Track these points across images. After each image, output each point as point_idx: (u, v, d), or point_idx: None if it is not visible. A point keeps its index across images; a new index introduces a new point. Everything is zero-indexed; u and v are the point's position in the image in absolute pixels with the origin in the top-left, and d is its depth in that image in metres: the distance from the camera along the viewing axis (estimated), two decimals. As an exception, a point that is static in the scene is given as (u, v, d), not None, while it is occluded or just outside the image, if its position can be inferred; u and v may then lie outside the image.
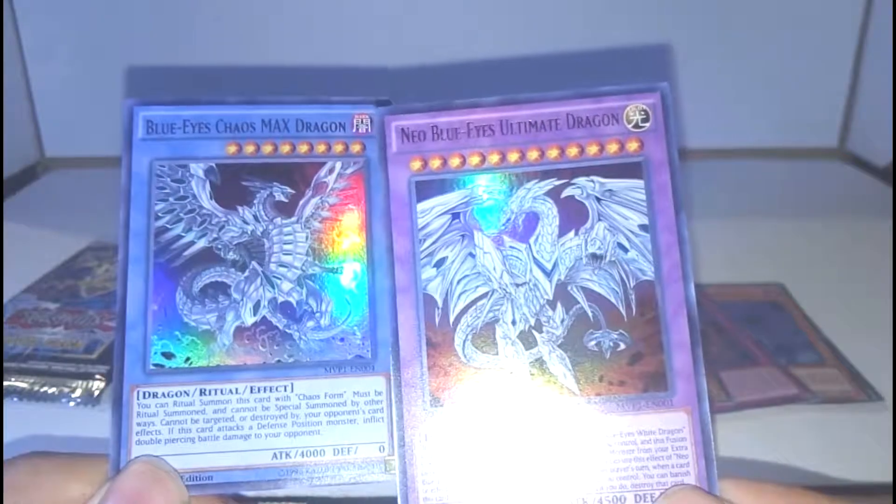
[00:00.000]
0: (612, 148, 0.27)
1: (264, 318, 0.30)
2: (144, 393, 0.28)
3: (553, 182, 0.28)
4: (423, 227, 0.28)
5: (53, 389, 0.44)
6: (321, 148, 0.31)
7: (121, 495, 0.27)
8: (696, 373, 0.26)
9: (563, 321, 0.27)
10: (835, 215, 0.74)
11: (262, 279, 0.30)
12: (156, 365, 0.29)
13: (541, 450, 0.26)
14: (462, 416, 0.26)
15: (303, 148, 0.31)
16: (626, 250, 0.27)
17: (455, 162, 0.28)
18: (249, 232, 0.30)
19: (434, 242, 0.28)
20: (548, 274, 0.27)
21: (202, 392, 0.29)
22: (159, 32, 0.82)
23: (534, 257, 0.27)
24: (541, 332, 0.27)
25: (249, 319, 0.30)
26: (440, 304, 0.27)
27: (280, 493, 0.41)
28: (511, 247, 0.28)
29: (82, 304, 0.53)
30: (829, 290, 0.59)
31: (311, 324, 0.30)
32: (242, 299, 0.30)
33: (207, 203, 0.30)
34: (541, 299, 0.27)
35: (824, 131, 0.89)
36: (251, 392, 0.29)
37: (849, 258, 0.66)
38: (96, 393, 0.44)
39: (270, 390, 0.29)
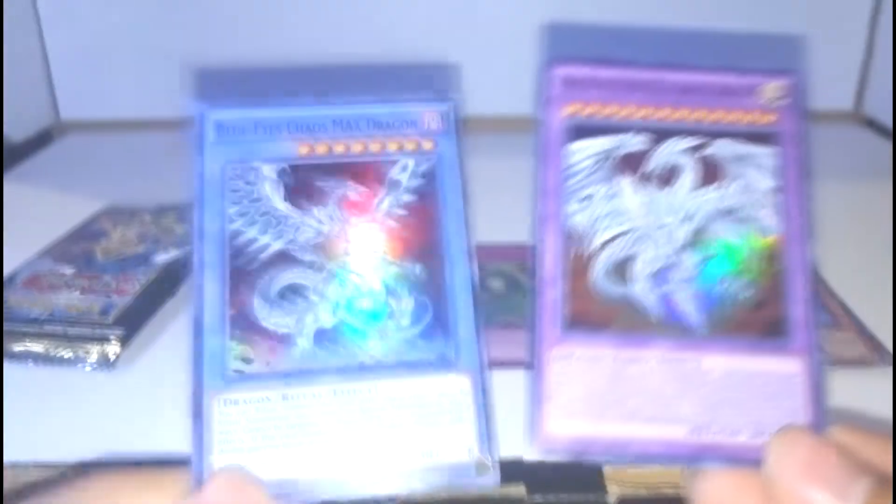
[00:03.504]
0: (750, 118, 0.30)
1: (343, 319, 0.29)
2: (225, 400, 0.27)
3: (695, 140, 0.30)
4: (573, 165, 0.30)
5: (69, 353, 0.44)
6: (393, 146, 0.31)
7: None
8: (811, 325, 0.28)
9: (694, 265, 0.29)
10: (850, 178, 0.74)
11: (339, 280, 0.29)
12: (235, 371, 0.28)
13: (666, 379, 0.28)
14: (594, 340, 0.28)
15: (375, 146, 0.31)
16: (756, 209, 0.30)
17: (608, 111, 0.30)
18: (325, 232, 0.30)
19: (581, 180, 0.30)
20: (684, 221, 0.30)
21: (284, 397, 0.28)
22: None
23: (672, 204, 0.30)
24: (673, 272, 0.29)
25: (329, 321, 0.29)
26: (582, 236, 0.29)
27: None
28: (652, 192, 0.30)
29: (98, 268, 0.52)
30: (844, 254, 0.58)
31: (390, 323, 0.29)
32: (321, 301, 0.29)
33: (281, 204, 0.30)
34: (676, 243, 0.29)
35: (840, 94, 0.89)
36: (334, 395, 0.28)
37: (864, 221, 0.65)
38: (112, 357, 0.43)
39: (353, 393, 0.28)
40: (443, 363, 0.28)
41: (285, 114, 0.31)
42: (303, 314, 0.29)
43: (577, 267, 0.29)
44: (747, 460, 0.27)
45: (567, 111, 0.30)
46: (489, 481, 0.28)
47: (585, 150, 0.30)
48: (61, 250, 0.54)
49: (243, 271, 0.29)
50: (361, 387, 0.28)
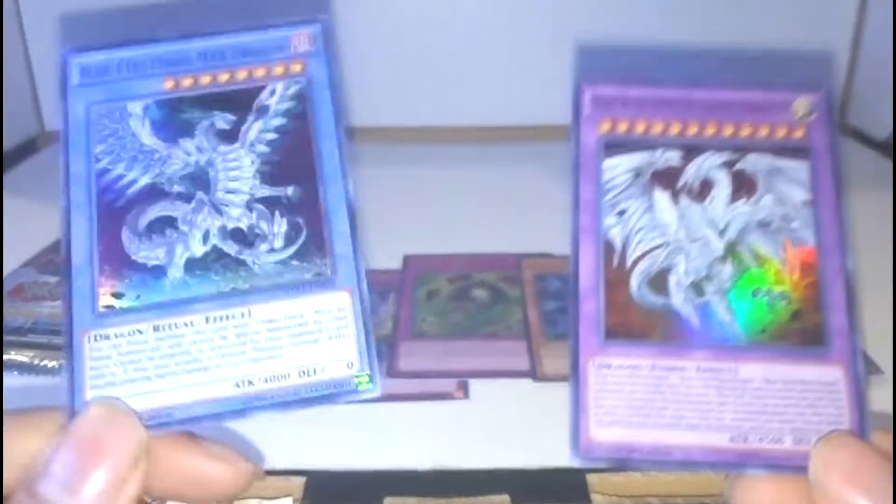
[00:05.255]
0: (781, 133, 0.31)
1: (215, 246, 0.28)
2: (96, 336, 0.27)
3: (727, 155, 0.31)
4: (609, 181, 0.30)
5: (53, 363, 0.43)
6: (260, 72, 0.30)
7: (77, 440, 0.25)
8: (851, 333, 0.28)
9: (731, 276, 0.29)
10: None
11: (210, 208, 0.29)
12: (105, 307, 0.27)
13: (705, 389, 0.28)
14: (633, 350, 0.28)
15: (241, 74, 0.30)
16: (790, 221, 0.30)
17: (640, 128, 0.31)
18: (193, 163, 0.29)
19: (617, 195, 0.30)
20: (719, 233, 0.30)
21: (156, 328, 0.27)
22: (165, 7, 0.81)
23: (707, 217, 0.30)
24: (710, 283, 0.29)
25: (199, 250, 0.28)
26: (619, 248, 0.29)
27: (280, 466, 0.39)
28: (687, 206, 0.30)
29: None
30: None
31: (264, 247, 0.28)
32: (191, 230, 0.28)
33: (148, 139, 0.29)
34: (712, 255, 0.30)
35: None
36: (207, 322, 0.27)
37: (852, 230, 0.63)
38: None
39: (227, 318, 0.27)
40: (319, 282, 0.28)
41: (150, 51, 0.30)
42: (173, 245, 0.28)
43: (615, 279, 0.29)
44: (790, 467, 0.27)
45: (600, 129, 0.31)
46: (370, 394, 0.27)
47: (619, 167, 0.30)
48: (45, 260, 0.54)
49: (112, 208, 0.28)
50: (235, 312, 0.27)
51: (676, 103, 0.31)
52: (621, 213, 0.30)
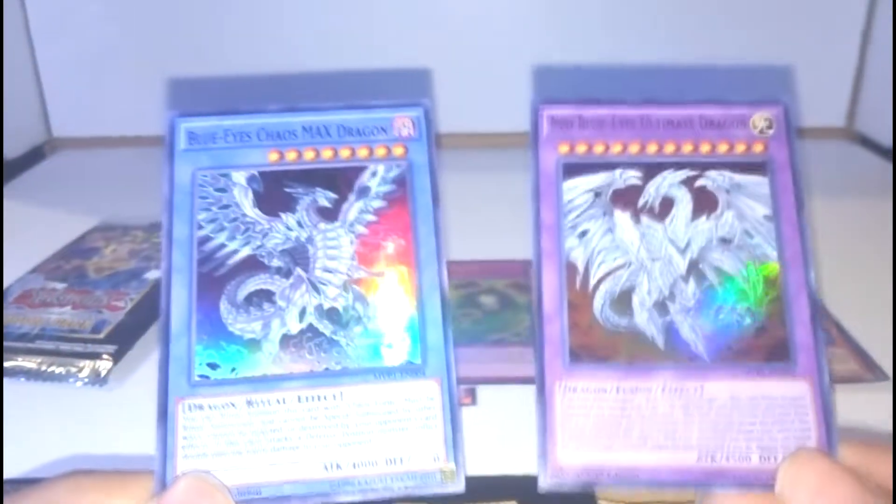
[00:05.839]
0: (740, 148, 0.31)
1: (311, 324, 0.29)
2: (190, 405, 0.27)
3: (687, 172, 0.31)
4: (568, 202, 0.30)
5: (61, 369, 0.44)
6: (363, 152, 0.31)
7: None
8: (816, 347, 0.28)
9: (694, 294, 0.30)
10: (841, 195, 0.73)
11: (308, 285, 0.29)
12: (201, 376, 0.28)
13: (671, 408, 0.28)
14: (598, 372, 0.28)
15: (345, 153, 0.31)
16: (751, 236, 0.30)
17: (599, 149, 0.31)
18: (293, 238, 0.30)
19: (578, 216, 0.30)
20: (681, 251, 0.30)
21: (249, 403, 0.28)
22: (169, 13, 0.82)
23: (668, 236, 0.30)
24: (674, 302, 0.29)
25: (295, 327, 0.29)
26: (581, 270, 0.30)
27: None
28: (648, 225, 0.30)
29: (90, 284, 0.52)
30: (835, 270, 0.58)
31: (358, 329, 0.29)
32: (288, 306, 0.29)
33: (250, 211, 0.30)
34: (674, 273, 0.30)
35: (831, 111, 0.89)
36: (299, 401, 0.28)
37: (855, 237, 0.65)
38: (103, 373, 0.43)
39: (319, 399, 0.28)
40: (410, 369, 0.28)
41: (256, 122, 0.31)
42: (269, 319, 0.29)
43: (578, 301, 0.29)
44: (759, 484, 0.27)
45: (558, 150, 0.31)
46: (455, 489, 0.27)
47: (579, 188, 0.31)
48: (53, 267, 0.54)
49: (211, 277, 0.29)
50: (327, 392, 0.28)
51: (635, 122, 0.31)
52: (583, 234, 0.30)
